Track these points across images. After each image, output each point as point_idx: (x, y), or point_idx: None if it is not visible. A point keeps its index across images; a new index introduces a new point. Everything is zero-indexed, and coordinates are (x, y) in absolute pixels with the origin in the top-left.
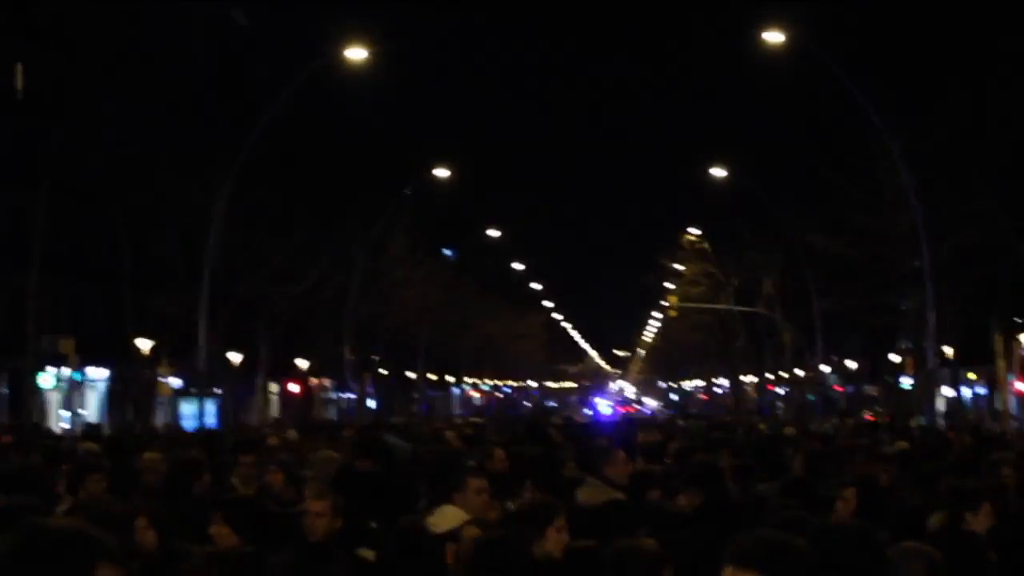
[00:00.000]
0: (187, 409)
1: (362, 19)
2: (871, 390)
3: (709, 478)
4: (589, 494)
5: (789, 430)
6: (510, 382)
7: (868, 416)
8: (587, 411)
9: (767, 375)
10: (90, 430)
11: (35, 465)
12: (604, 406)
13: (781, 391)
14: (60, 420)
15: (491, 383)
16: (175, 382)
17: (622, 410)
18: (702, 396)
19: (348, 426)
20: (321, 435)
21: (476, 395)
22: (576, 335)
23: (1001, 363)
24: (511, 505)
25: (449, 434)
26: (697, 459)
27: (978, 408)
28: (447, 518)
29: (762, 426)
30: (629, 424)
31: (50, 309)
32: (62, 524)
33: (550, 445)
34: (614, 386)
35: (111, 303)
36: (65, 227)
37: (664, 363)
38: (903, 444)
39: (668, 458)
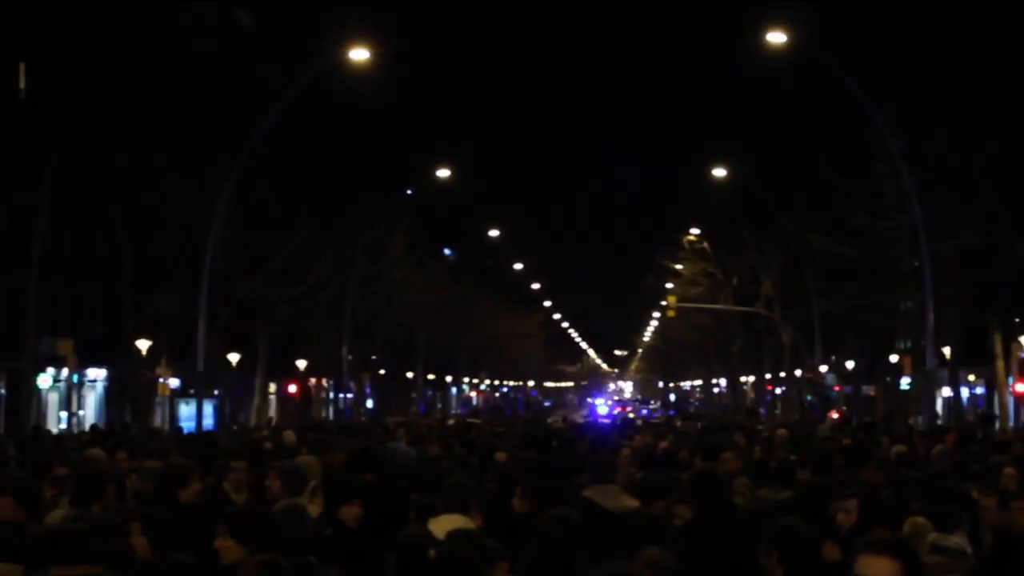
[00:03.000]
0: (185, 410)
1: (364, 20)
2: (870, 390)
3: (702, 490)
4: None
5: (782, 432)
6: (509, 382)
7: (836, 413)
8: (584, 413)
9: (766, 375)
10: (95, 433)
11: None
12: (602, 406)
13: (779, 391)
14: (60, 421)
15: (489, 383)
16: (173, 382)
17: (620, 411)
18: (696, 396)
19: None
20: (313, 436)
21: (474, 395)
22: (575, 335)
23: (1000, 364)
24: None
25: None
26: (693, 470)
27: (975, 408)
28: (443, 527)
29: (760, 427)
30: (622, 427)
31: (49, 310)
32: None
33: (547, 449)
34: (612, 386)
35: (110, 303)
36: (65, 227)
37: (663, 363)
38: (901, 448)
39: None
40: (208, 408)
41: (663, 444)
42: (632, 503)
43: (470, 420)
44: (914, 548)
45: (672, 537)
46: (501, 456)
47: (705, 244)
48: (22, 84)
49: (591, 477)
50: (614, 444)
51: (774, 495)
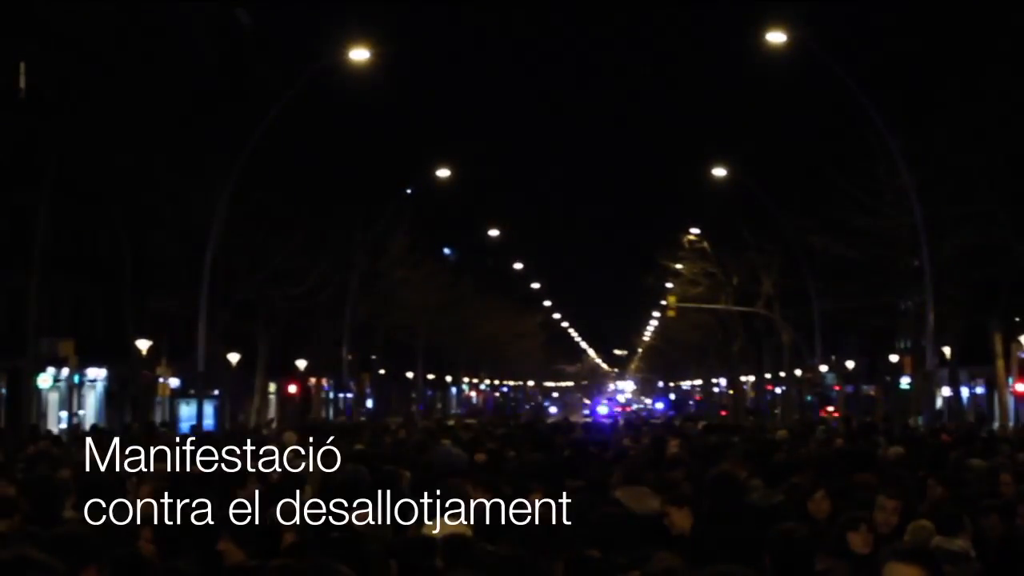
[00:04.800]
0: (185, 410)
1: (364, 20)
2: (870, 390)
3: (720, 492)
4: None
5: (781, 433)
6: (509, 382)
7: (823, 412)
8: (586, 413)
9: (766, 375)
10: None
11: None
12: (602, 407)
13: (779, 391)
14: (60, 421)
15: (489, 383)
16: (173, 382)
17: (621, 411)
18: (695, 397)
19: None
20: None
21: (474, 395)
22: (575, 335)
23: (1000, 364)
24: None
25: (444, 442)
26: (712, 472)
27: (977, 408)
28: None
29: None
30: (619, 427)
31: (49, 310)
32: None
33: (550, 450)
34: (612, 386)
35: (110, 303)
36: (65, 227)
37: (663, 363)
38: (899, 449)
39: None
40: (208, 408)
41: (673, 445)
42: (656, 505)
43: (467, 421)
44: (940, 558)
45: (667, 543)
46: (480, 458)
47: (705, 244)
48: (22, 83)
49: (624, 478)
50: (618, 446)
51: (769, 498)
